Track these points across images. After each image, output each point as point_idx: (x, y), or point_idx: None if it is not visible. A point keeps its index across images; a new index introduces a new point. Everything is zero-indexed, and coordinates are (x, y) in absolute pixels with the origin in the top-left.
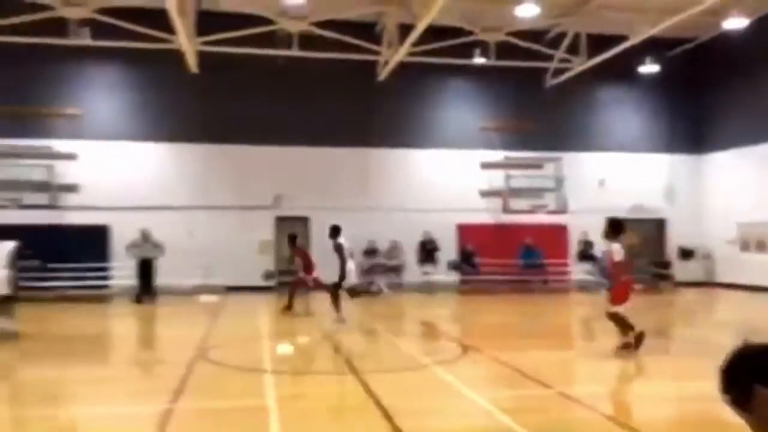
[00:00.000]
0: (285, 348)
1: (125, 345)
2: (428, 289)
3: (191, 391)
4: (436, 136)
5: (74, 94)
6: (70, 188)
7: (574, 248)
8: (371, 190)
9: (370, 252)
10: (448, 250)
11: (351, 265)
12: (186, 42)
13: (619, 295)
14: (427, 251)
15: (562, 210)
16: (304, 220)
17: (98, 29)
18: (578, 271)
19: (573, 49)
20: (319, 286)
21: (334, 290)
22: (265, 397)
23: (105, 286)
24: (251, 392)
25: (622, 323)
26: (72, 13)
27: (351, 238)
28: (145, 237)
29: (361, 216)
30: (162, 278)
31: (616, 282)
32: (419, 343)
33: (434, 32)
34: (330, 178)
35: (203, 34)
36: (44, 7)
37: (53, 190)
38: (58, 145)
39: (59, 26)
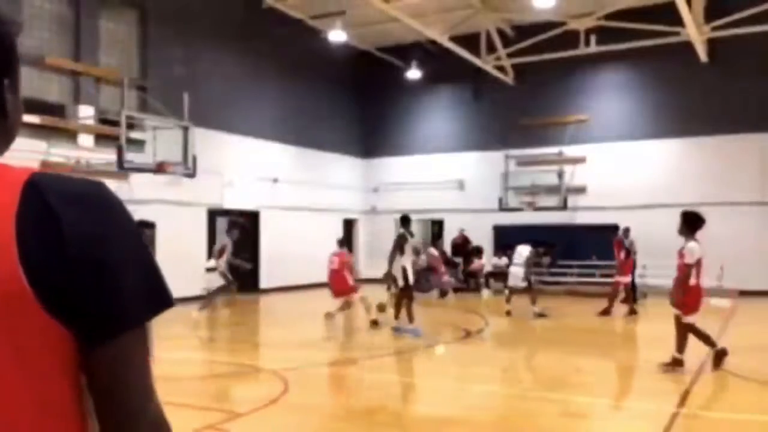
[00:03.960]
0: None
1: (621, 341)
2: None
3: (698, 397)
4: None
5: (583, 100)
6: (579, 190)
7: None
8: None
9: None
10: None
11: None
12: (695, 31)
13: (691, 303)
14: None
15: None
16: None
17: (604, 35)
18: None
19: None
20: None
21: None
22: None
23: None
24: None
25: (700, 337)
26: (581, 24)
27: None
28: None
29: None
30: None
31: (686, 287)
32: None
33: None
34: None
35: (712, 19)
36: (557, 24)
37: (564, 192)
38: (568, 150)
39: (569, 39)
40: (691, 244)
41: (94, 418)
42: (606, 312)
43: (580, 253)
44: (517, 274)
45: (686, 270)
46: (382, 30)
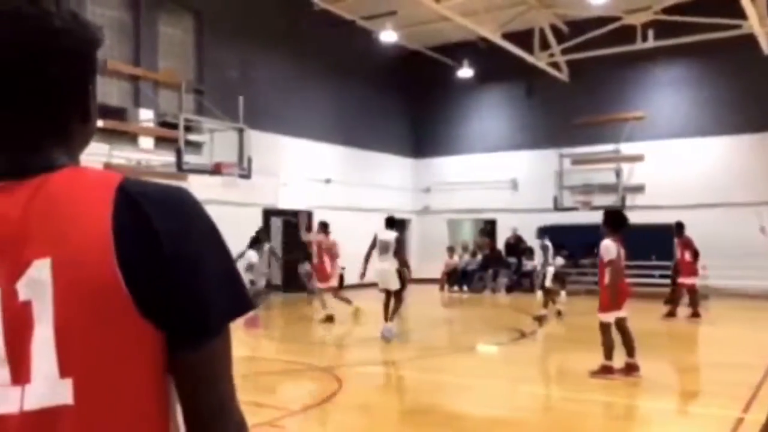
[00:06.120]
0: None
1: (681, 343)
2: None
3: (765, 403)
4: None
5: (639, 97)
6: (637, 189)
7: None
8: None
9: None
10: None
11: None
12: (757, 24)
13: (608, 302)
14: None
15: None
16: None
17: (661, 29)
18: None
19: None
20: None
21: None
22: None
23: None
24: None
25: (604, 343)
26: (637, 18)
27: None
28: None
29: None
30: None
31: (605, 286)
32: None
33: None
34: None
35: None
36: (612, 19)
37: (621, 191)
38: (625, 148)
39: (625, 34)
40: (606, 241)
41: (177, 419)
42: (672, 314)
43: (638, 253)
44: (551, 273)
45: (603, 269)
46: (432, 29)
